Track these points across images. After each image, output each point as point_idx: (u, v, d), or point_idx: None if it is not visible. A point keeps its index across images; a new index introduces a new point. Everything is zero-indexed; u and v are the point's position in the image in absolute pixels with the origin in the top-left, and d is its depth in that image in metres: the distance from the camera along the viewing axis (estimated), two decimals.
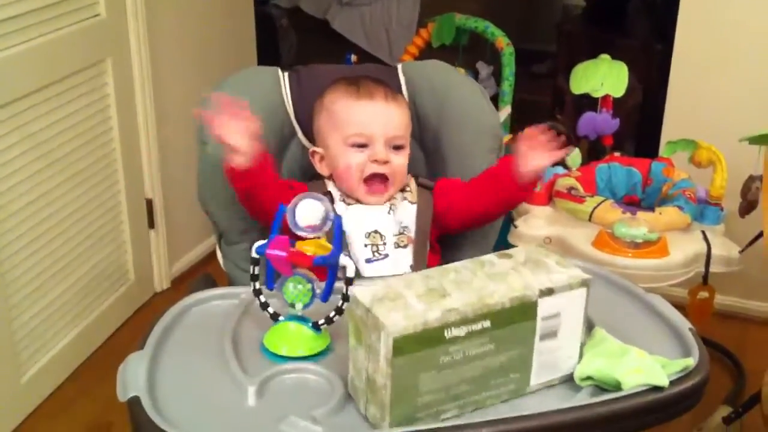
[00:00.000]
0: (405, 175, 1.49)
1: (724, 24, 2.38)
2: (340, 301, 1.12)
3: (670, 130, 2.49)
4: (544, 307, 1.04)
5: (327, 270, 1.13)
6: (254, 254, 1.14)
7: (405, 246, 1.44)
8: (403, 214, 1.47)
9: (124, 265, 2.57)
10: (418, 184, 1.52)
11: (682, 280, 2.00)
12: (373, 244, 1.42)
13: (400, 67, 1.64)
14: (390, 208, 1.46)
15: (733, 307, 2.57)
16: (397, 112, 1.46)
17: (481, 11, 2.83)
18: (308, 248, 1.13)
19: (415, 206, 1.48)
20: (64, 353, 2.29)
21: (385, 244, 1.43)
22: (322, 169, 1.50)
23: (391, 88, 1.51)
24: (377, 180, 1.44)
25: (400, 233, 1.45)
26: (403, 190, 1.49)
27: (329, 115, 1.47)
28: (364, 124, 1.43)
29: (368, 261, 1.42)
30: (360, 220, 1.43)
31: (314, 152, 1.51)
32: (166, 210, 2.72)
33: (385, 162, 1.43)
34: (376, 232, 1.43)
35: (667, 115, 2.51)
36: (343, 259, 1.12)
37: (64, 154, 2.21)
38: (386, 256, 1.43)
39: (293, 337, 1.14)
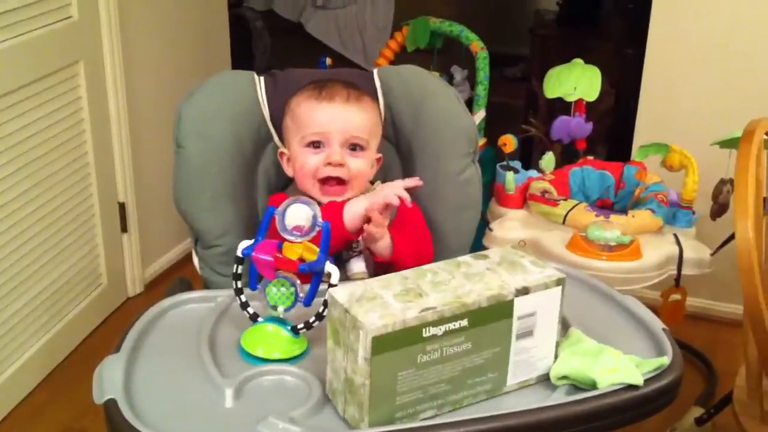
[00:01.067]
0: (365, 179, 1.48)
1: (696, 29, 2.41)
2: (321, 307, 1.12)
3: (642, 133, 2.51)
4: (520, 306, 1.04)
5: (312, 274, 1.13)
6: (239, 254, 1.14)
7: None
8: None
9: (96, 270, 2.54)
10: None
11: (654, 283, 2.02)
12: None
13: (375, 71, 1.64)
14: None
15: (703, 309, 2.60)
16: (357, 113, 1.45)
17: (455, 15, 2.84)
18: (295, 251, 1.13)
19: None
20: (36, 358, 2.26)
21: (358, 241, 1.43)
22: (287, 169, 1.51)
23: (360, 90, 1.49)
24: (333, 182, 1.44)
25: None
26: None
27: (293, 116, 1.48)
28: (321, 124, 1.44)
29: (346, 259, 1.43)
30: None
31: (282, 153, 1.52)
32: (139, 214, 2.70)
33: (340, 164, 1.43)
34: None
35: (640, 119, 2.54)
36: (329, 266, 1.13)
37: (36, 157, 2.19)
38: (360, 253, 1.44)
39: (270, 339, 1.14)
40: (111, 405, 1.00)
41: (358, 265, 1.44)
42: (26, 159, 2.15)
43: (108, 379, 1.04)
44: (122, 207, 2.63)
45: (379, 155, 1.52)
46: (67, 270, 2.37)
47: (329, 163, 1.43)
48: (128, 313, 2.60)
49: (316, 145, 1.44)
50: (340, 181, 1.44)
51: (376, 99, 1.57)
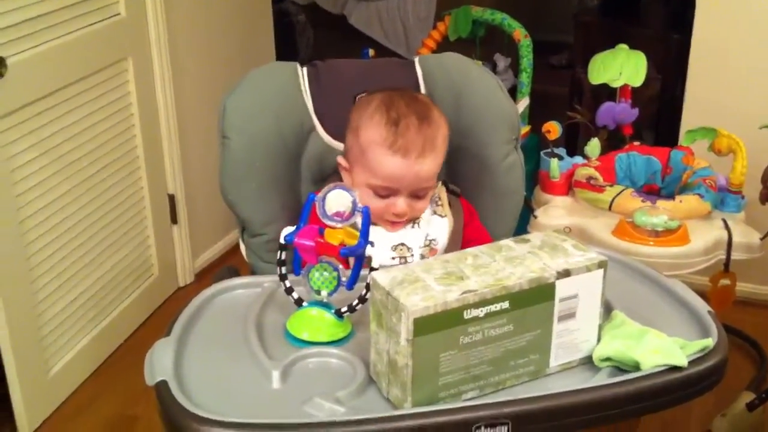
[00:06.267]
0: (427, 207, 1.46)
1: (743, 11, 2.37)
2: (364, 290, 1.14)
3: (689, 118, 2.48)
4: (562, 288, 1.05)
5: (353, 258, 1.15)
6: (282, 240, 1.16)
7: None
8: (430, 227, 1.46)
9: (147, 260, 2.60)
10: (449, 191, 1.51)
11: (703, 268, 2.00)
12: (400, 257, 1.43)
13: (417, 60, 1.65)
14: (414, 222, 1.46)
15: (754, 294, 2.56)
16: (431, 162, 1.40)
17: (498, 3, 2.83)
18: (336, 237, 1.14)
19: (445, 220, 1.48)
20: (90, 348, 2.32)
21: (412, 255, 1.43)
22: (346, 180, 1.48)
23: (431, 118, 1.41)
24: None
25: (426, 245, 1.45)
26: (432, 200, 1.49)
27: (361, 151, 1.42)
28: (391, 178, 1.39)
29: None
30: (384, 233, 1.43)
31: (341, 165, 1.49)
32: (189, 205, 2.75)
33: (405, 213, 1.42)
34: (402, 244, 1.44)
35: (687, 104, 2.51)
36: (369, 250, 1.14)
37: (88, 151, 2.24)
38: None
39: (315, 323, 1.16)
40: (162, 386, 1.03)
41: None
42: (78, 153, 2.21)
43: (159, 362, 1.07)
44: (172, 199, 2.68)
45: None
46: (119, 261, 2.43)
47: (394, 213, 1.42)
48: (179, 302, 2.62)
49: (382, 194, 1.41)
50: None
51: (439, 109, 1.49)
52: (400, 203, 1.41)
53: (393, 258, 1.42)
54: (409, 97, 1.44)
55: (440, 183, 1.52)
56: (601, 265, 1.08)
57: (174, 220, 2.71)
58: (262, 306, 1.23)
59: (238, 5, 2.96)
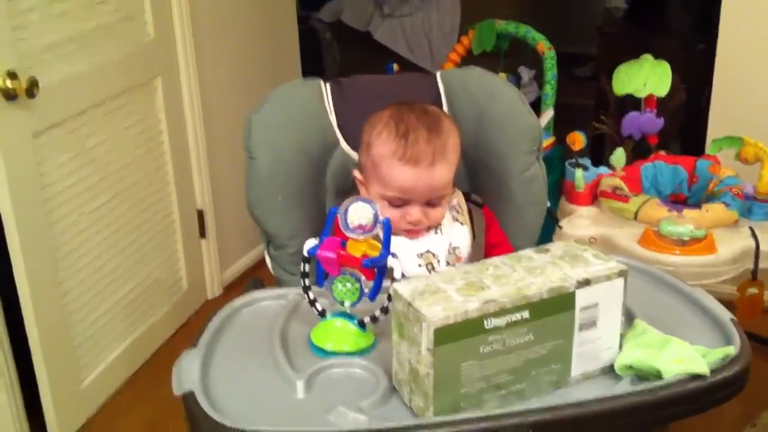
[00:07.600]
0: (444, 216, 1.47)
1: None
2: (386, 301, 1.16)
3: (715, 127, 2.47)
4: (582, 297, 1.05)
5: (375, 269, 1.16)
6: (305, 253, 1.18)
7: (454, 266, 1.45)
8: (452, 235, 1.47)
9: (177, 274, 2.64)
10: (469, 201, 1.53)
11: (730, 277, 1.99)
12: (427, 263, 1.44)
13: (438, 74, 1.66)
14: (437, 229, 1.47)
15: None
16: (441, 170, 1.41)
17: (521, 16, 2.84)
18: (359, 248, 1.16)
19: (466, 227, 1.49)
20: (121, 359, 2.36)
21: (439, 261, 1.44)
22: (362, 193, 1.50)
23: (440, 127, 1.42)
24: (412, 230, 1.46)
25: (450, 253, 1.46)
26: (451, 208, 1.50)
27: (373, 165, 1.44)
28: (404, 188, 1.41)
29: None
30: (408, 242, 1.44)
31: (356, 178, 1.51)
32: (217, 220, 2.79)
33: (420, 221, 1.43)
34: (428, 251, 1.45)
35: (712, 113, 2.50)
36: (391, 261, 1.16)
37: (118, 168, 2.29)
38: None
39: (339, 334, 1.17)
40: (189, 397, 1.05)
41: None
42: (109, 170, 2.25)
43: (186, 373, 1.10)
44: (200, 214, 2.72)
45: None
46: (149, 275, 2.47)
47: (408, 221, 1.43)
48: (208, 314, 2.66)
49: (397, 204, 1.43)
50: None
51: (451, 119, 1.51)
52: (414, 211, 1.42)
53: (419, 266, 1.44)
54: (419, 110, 1.45)
55: (457, 191, 1.53)
56: (622, 273, 1.08)
57: (202, 234, 2.75)
58: (287, 317, 1.25)
59: (265, 24, 3.00)
